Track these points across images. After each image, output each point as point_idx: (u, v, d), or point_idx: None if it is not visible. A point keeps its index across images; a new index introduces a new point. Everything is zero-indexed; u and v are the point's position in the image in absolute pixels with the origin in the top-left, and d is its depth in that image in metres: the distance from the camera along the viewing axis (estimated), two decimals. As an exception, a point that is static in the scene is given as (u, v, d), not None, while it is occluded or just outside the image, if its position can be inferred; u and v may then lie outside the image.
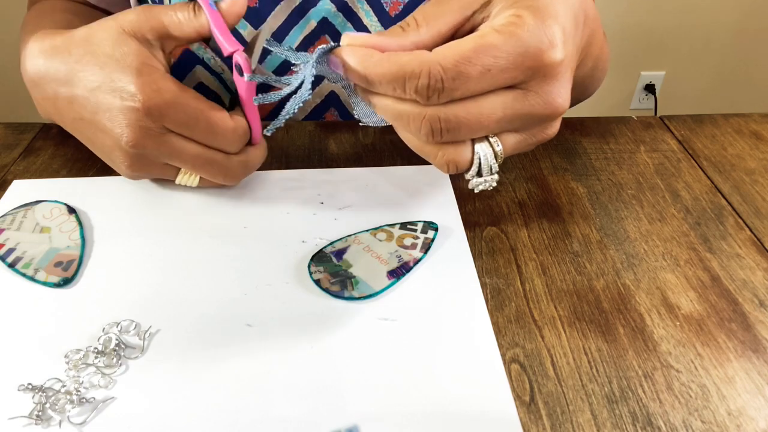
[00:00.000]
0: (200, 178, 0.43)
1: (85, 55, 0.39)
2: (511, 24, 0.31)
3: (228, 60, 0.58)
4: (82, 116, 0.40)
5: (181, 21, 0.40)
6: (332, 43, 0.34)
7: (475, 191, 0.36)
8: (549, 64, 0.31)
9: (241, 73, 0.39)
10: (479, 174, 0.35)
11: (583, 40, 0.37)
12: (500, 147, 0.34)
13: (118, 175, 0.48)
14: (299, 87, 0.35)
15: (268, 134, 0.38)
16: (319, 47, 0.33)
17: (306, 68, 0.34)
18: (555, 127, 0.36)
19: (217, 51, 0.41)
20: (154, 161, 0.41)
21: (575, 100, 0.56)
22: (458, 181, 0.48)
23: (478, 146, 0.34)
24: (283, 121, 0.36)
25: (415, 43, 0.33)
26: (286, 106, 0.36)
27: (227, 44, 0.39)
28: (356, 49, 0.33)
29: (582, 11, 0.36)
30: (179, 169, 0.42)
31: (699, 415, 0.33)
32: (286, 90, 0.36)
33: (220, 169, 0.42)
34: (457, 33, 0.34)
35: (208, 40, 0.41)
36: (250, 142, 0.43)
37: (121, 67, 0.38)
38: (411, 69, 0.31)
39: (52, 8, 0.58)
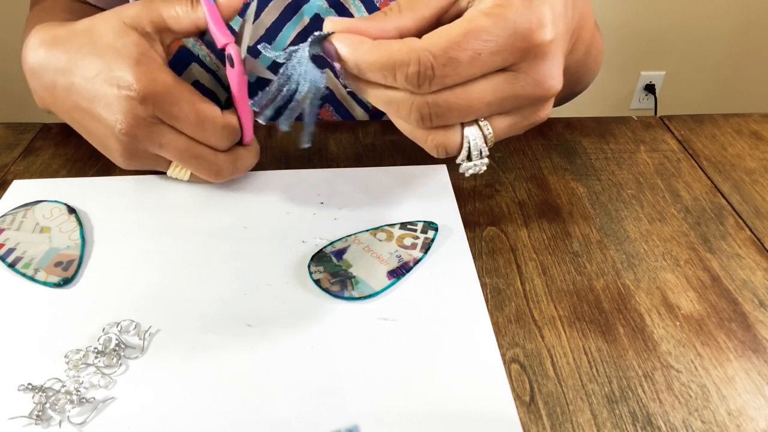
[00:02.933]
0: (191, 173, 0.44)
1: (86, 45, 0.40)
2: (498, 6, 0.31)
3: (223, 56, 0.58)
4: (79, 105, 0.41)
5: (179, 14, 0.41)
6: (323, 32, 0.34)
7: (466, 175, 0.36)
8: (539, 44, 0.31)
9: (232, 65, 0.39)
10: (469, 158, 0.35)
11: (573, 22, 0.37)
12: (490, 131, 0.34)
13: (118, 175, 0.48)
14: (296, 87, 0.35)
15: (307, 146, 0.37)
16: (312, 35, 0.34)
17: (303, 64, 0.34)
18: (547, 109, 0.35)
19: (212, 45, 0.42)
20: (145, 151, 0.41)
21: (569, 93, 0.56)
22: (458, 181, 0.48)
23: (467, 130, 0.34)
24: (312, 126, 0.36)
25: (397, 28, 0.33)
26: (306, 112, 0.36)
27: (221, 36, 0.40)
28: (347, 37, 0.33)
29: None
30: (171, 161, 0.43)
31: (699, 415, 0.33)
32: (285, 89, 0.36)
33: (206, 165, 0.42)
34: (443, 18, 0.34)
35: (203, 33, 0.42)
36: (241, 142, 0.43)
37: (120, 56, 0.39)
38: (401, 57, 0.31)
39: (54, 7, 0.59)
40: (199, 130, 0.40)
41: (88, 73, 0.40)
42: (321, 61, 0.35)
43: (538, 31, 0.31)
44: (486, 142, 0.34)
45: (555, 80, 0.33)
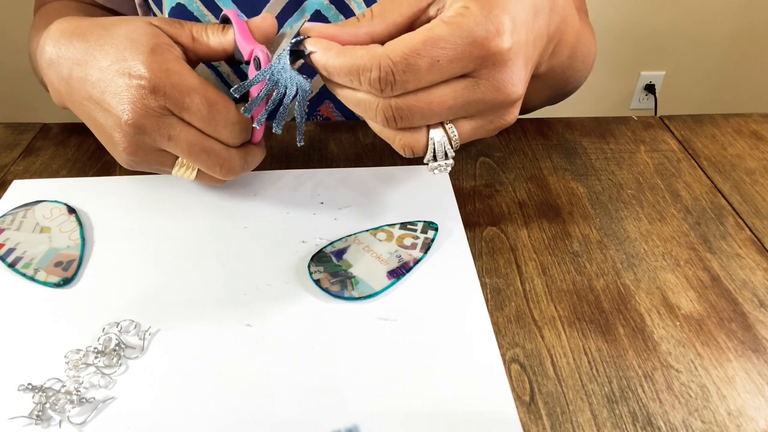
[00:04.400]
0: (197, 172, 0.42)
1: (104, 35, 0.40)
2: (458, 15, 0.32)
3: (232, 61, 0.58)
4: (91, 95, 0.40)
5: (209, 35, 0.41)
6: (300, 36, 0.35)
7: (433, 174, 0.38)
8: (496, 52, 0.32)
9: (258, 67, 0.39)
10: (435, 158, 0.37)
11: (550, 27, 0.38)
12: (455, 133, 0.36)
13: (118, 175, 0.48)
14: (285, 91, 0.37)
15: (301, 144, 0.39)
16: (288, 41, 0.35)
17: (287, 69, 0.36)
18: (513, 114, 0.36)
19: (240, 61, 0.41)
20: (151, 146, 0.40)
21: (558, 93, 0.56)
22: (458, 181, 0.48)
23: (433, 132, 0.36)
24: (304, 126, 0.38)
25: (369, 34, 0.35)
26: (296, 113, 0.38)
27: (246, 44, 0.39)
28: (318, 41, 0.35)
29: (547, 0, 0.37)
30: (177, 159, 0.41)
31: (699, 415, 0.33)
32: (273, 92, 0.37)
33: (217, 160, 0.40)
34: (414, 25, 0.35)
35: (230, 59, 0.42)
36: (249, 141, 0.43)
37: (135, 46, 0.38)
38: (363, 62, 0.32)
39: (62, 8, 0.59)
40: (211, 124, 0.39)
41: (102, 63, 0.39)
42: (305, 63, 0.36)
43: (495, 39, 0.32)
44: (451, 144, 0.36)
45: (515, 86, 0.34)
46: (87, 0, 0.61)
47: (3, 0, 1.62)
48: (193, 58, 0.42)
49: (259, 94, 0.37)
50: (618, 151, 0.53)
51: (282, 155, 0.51)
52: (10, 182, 0.47)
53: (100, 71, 0.39)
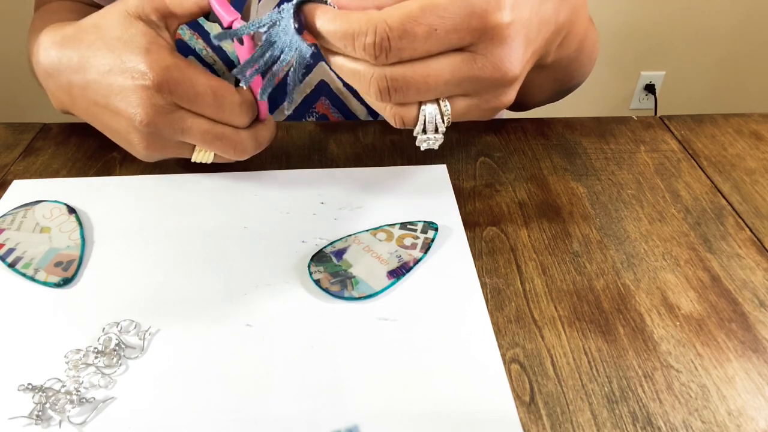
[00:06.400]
0: (215, 154, 0.43)
1: (95, 41, 0.40)
2: None
3: (220, 51, 0.58)
4: (96, 101, 0.41)
5: None
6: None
7: (421, 148, 0.37)
8: (495, 26, 0.32)
9: (241, 42, 0.39)
10: (424, 131, 0.36)
11: (560, 16, 0.38)
12: (448, 107, 0.35)
13: (118, 175, 0.48)
14: (279, 55, 0.36)
15: (288, 113, 0.38)
16: (289, 4, 0.34)
17: (288, 34, 0.35)
18: (509, 95, 0.36)
19: (218, 24, 0.41)
20: (168, 139, 0.41)
21: (563, 88, 0.56)
22: (458, 181, 0.48)
23: (425, 104, 0.35)
24: (294, 92, 0.37)
25: (375, 3, 0.34)
26: (289, 78, 0.36)
27: (226, 14, 0.40)
28: (315, 6, 0.34)
29: None
30: (194, 146, 0.43)
31: (699, 415, 0.33)
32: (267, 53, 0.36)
33: (230, 144, 0.42)
34: None
35: (207, 15, 0.42)
36: (258, 119, 0.44)
37: (130, 48, 0.39)
38: (359, 26, 0.32)
39: (59, 8, 0.59)
40: (218, 110, 0.40)
41: (102, 68, 0.40)
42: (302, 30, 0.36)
43: (495, 12, 0.31)
44: (443, 119, 0.35)
45: (513, 64, 0.33)
46: (85, 0, 0.62)
47: (3, 0, 1.62)
48: (173, 24, 0.42)
49: (253, 54, 0.37)
50: (618, 151, 0.53)
51: (282, 155, 0.51)
52: (10, 182, 0.47)
53: (100, 76, 0.40)
